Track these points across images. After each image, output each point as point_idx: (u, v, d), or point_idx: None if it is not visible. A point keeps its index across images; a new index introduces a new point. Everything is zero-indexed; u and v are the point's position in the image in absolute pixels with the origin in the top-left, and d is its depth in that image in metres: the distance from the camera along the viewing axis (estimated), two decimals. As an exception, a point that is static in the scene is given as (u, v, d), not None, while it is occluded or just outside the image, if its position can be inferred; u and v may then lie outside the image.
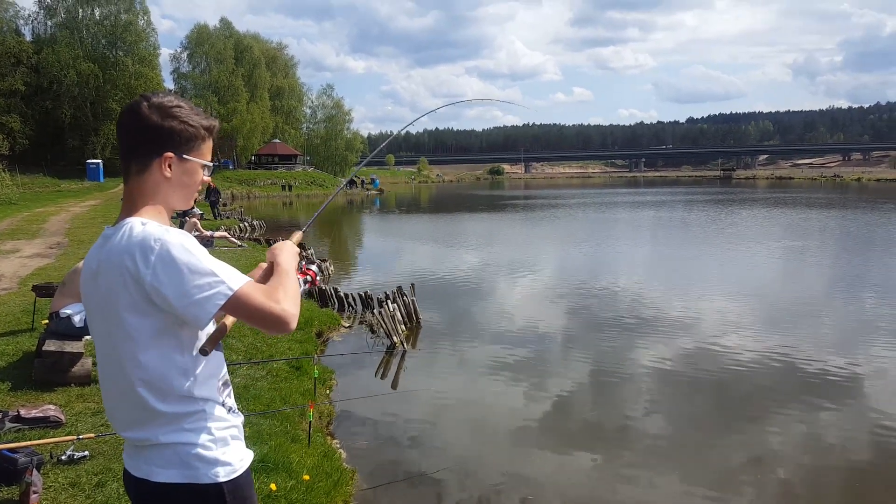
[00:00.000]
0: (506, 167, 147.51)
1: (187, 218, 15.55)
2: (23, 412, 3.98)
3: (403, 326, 8.36)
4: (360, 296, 10.13)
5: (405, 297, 9.05)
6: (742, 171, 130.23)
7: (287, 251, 1.56)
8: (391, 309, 8.24)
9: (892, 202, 38.63)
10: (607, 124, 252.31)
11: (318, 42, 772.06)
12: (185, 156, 1.48)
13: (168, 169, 1.46)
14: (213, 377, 1.46)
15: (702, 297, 11.37)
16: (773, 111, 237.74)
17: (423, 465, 4.78)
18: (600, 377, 6.96)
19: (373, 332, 8.51)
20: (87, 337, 5.23)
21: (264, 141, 67.56)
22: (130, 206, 1.46)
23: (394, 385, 6.78)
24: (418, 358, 7.66)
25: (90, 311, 1.48)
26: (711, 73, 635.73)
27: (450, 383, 6.76)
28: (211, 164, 1.55)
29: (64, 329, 4.93)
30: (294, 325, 1.40)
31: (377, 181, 69.81)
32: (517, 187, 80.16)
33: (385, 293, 9.54)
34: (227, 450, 1.45)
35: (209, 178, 1.56)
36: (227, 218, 25.22)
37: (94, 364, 5.03)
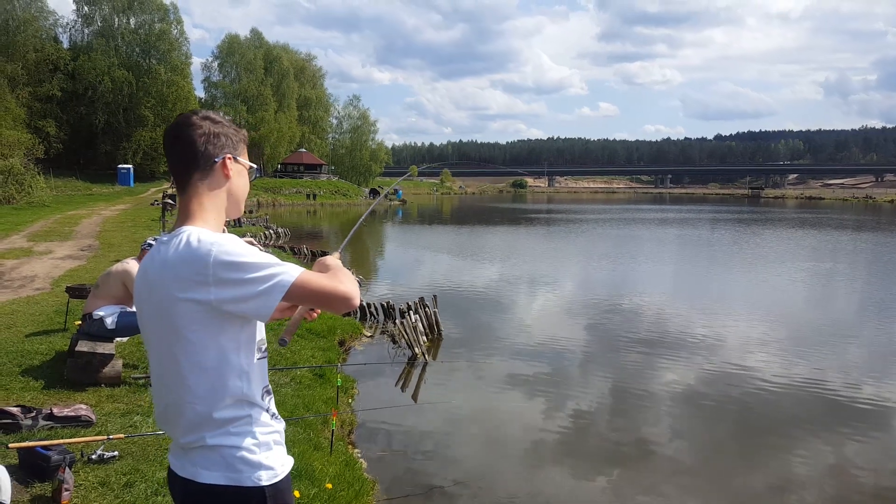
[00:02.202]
0: (529, 180, 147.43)
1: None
2: (55, 410, 4.08)
3: (425, 338, 8.39)
4: (381, 305, 10.20)
5: (427, 309, 9.08)
6: (771, 189, 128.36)
7: (333, 259, 1.62)
8: (413, 320, 8.28)
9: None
10: (633, 140, 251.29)
11: (345, 53, 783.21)
12: (238, 158, 1.58)
13: (229, 170, 1.55)
14: (260, 382, 1.51)
15: (725, 318, 11.23)
16: (804, 130, 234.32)
17: (440, 478, 4.80)
18: (619, 396, 6.92)
19: (394, 342, 8.55)
20: (119, 339, 5.35)
21: (291, 150, 68.55)
22: (186, 215, 1.52)
23: (414, 396, 6.80)
24: (439, 370, 7.67)
25: (144, 316, 1.52)
26: (740, 90, 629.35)
27: (469, 396, 6.77)
28: (255, 166, 1.64)
29: (96, 331, 5.05)
30: (357, 301, 1.45)
31: (400, 192, 70.25)
32: (540, 201, 79.97)
33: (407, 304, 9.58)
34: (270, 454, 1.49)
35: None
36: (253, 225, 25.64)
37: (125, 366, 5.14)
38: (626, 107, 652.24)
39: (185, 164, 1.53)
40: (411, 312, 8.88)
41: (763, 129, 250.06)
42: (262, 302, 1.37)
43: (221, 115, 1.60)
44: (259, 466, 1.45)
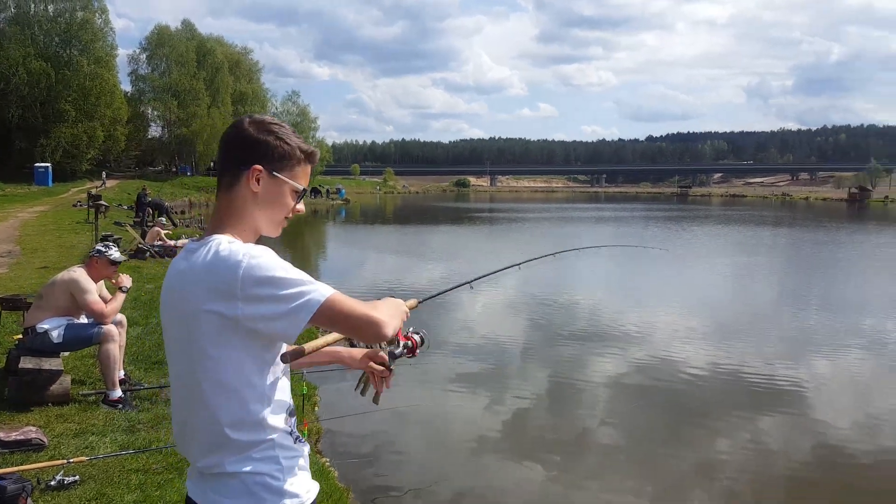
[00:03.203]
0: (472, 179, 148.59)
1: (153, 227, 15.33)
2: (2, 435, 3.89)
3: None
4: None
5: None
6: (698, 188, 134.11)
7: (392, 303, 1.51)
8: None
9: (835, 221, 40.42)
10: (570, 140, 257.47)
11: (282, 47, 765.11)
12: (275, 173, 1.44)
13: (256, 183, 1.42)
14: (283, 404, 1.43)
15: (656, 311, 11.78)
16: (728, 131, 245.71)
17: (408, 480, 4.87)
18: (559, 389, 7.21)
19: (353, 345, 8.54)
20: (66, 353, 5.15)
21: (225, 147, 66.51)
22: (217, 223, 1.44)
23: (375, 399, 6.82)
24: (398, 371, 7.69)
25: (165, 327, 1.45)
26: (670, 93, 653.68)
27: (427, 397, 6.87)
28: (304, 189, 1.49)
29: (40, 345, 4.80)
30: (390, 331, 1.38)
31: (343, 191, 69.37)
32: (482, 200, 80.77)
33: None
34: (295, 480, 1.41)
35: (302, 208, 1.52)
36: (188, 227, 24.74)
37: (73, 382, 4.94)
38: (564, 108, 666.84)
39: (219, 166, 1.48)
40: None
41: (691, 131, 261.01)
42: (289, 322, 1.29)
43: (287, 126, 1.49)
44: (283, 494, 1.37)
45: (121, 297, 4.87)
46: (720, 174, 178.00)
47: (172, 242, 15.00)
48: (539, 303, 12.27)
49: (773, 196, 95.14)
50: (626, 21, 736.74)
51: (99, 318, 4.74)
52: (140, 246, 13.89)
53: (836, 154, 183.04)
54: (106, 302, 4.84)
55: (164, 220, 18.37)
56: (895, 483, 5.13)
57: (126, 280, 4.93)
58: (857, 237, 28.78)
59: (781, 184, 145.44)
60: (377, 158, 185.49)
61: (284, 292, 1.29)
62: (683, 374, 7.65)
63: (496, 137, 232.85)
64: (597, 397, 6.94)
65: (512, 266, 1.93)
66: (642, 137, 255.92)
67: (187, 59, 60.00)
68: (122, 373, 4.99)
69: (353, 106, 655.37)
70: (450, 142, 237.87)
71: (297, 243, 24.27)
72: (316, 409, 6.08)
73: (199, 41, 63.82)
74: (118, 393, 4.74)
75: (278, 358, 1.40)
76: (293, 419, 1.46)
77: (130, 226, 20.88)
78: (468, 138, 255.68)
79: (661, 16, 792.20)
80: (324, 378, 7.11)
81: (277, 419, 1.40)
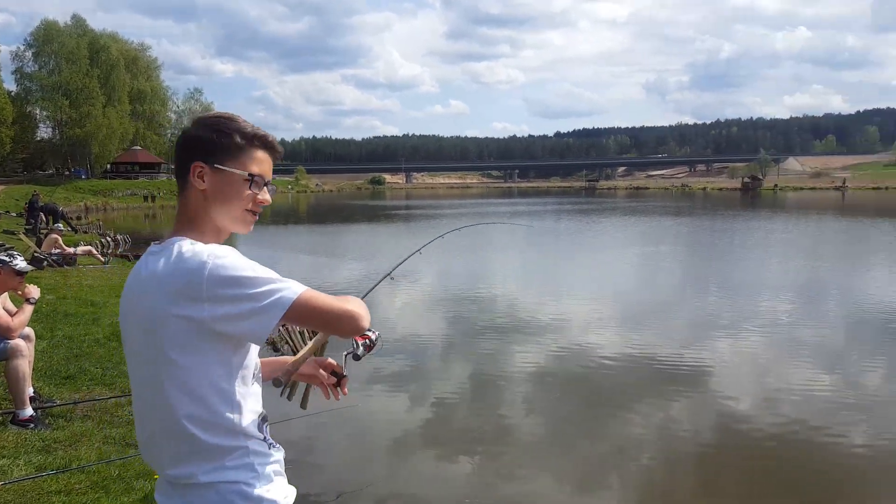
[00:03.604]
0: (387, 177, 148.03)
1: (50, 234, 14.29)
2: None
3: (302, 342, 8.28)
4: None
5: None
6: (604, 181, 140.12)
7: (355, 299, 1.47)
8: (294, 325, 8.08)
9: (731, 210, 43.47)
10: (483, 137, 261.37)
11: (181, 44, 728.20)
12: (217, 165, 1.38)
13: (200, 180, 1.38)
14: (254, 410, 1.38)
15: (570, 301, 12.18)
16: (630, 126, 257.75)
17: (335, 484, 4.78)
18: (478, 381, 7.29)
19: (275, 349, 8.36)
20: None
21: (123, 148, 62.84)
22: (177, 226, 1.41)
23: (303, 404, 6.73)
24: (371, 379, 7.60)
25: (126, 333, 1.40)
26: (575, 90, 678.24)
27: (354, 398, 6.80)
28: (256, 175, 1.41)
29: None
30: (366, 323, 1.37)
31: (252, 191, 67.06)
32: (398, 197, 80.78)
33: None
34: (271, 487, 1.36)
35: (268, 198, 1.45)
36: (86, 233, 23.22)
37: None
38: (476, 105, 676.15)
39: (175, 171, 1.45)
40: None
41: (596, 127, 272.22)
42: (259, 321, 1.25)
43: (236, 117, 1.44)
44: (260, 501, 1.33)
45: (28, 309, 4.55)
46: (624, 168, 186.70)
47: (71, 250, 14.04)
48: (456, 297, 12.36)
49: (674, 187, 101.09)
50: (532, 19, 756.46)
51: (4, 333, 4.41)
52: (36, 255, 12.90)
53: (729, 146, 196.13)
54: (11, 315, 4.51)
55: (60, 226, 17.13)
56: (795, 456, 5.47)
57: (34, 291, 4.60)
58: (753, 224, 30.90)
59: (680, 175, 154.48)
60: (287, 157, 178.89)
61: (253, 291, 1.25)
62: (597, 362, 7.90)
63: (410, 134, 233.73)
64: (516, 389, 7.05)
65: (413, 253, 1.97)
66: (551, 133, 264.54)
67: (78, 56, 56.17)
68: (31, 390, 4.67)
69: (260, 103, 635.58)
70: (363, 139, 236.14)
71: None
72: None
73: (91, 37, 59.93)
74: (29, 412, 4.43)
75: (248, 362, 1.36)
76: (266, 425, 1.42)
77: (23, 233, 19.36)
78: (382, 135, 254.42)
79: (565, 14, 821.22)
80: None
81: (250, 425, 1.36)
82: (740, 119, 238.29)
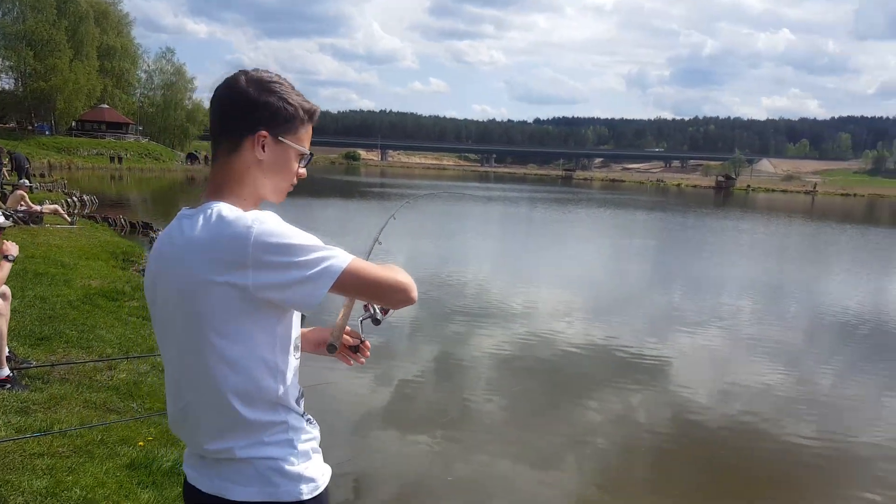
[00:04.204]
0: (362, 153, 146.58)
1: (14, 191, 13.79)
2: None
3: None
4: None
5: None
6: (581, 172, 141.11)
7: (394, 266, 1.43)
8: None
9: (704, 207, 44.21)
10: (462, 118, 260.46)
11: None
12: (281, 138, 1.33)
13: (262, 150, 1.32)
14: (295, 383, 1.35)
15: (540, 289, 12.31)
16: (609, 118, 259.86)
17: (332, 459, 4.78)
18: (444, 364, 7.34)
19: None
20: None
21: (90, 105, 60.69)
22: (216, 189, 1.32)
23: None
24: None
25: (158, 302, 1.31)
26: (558, 76, 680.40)
27: (319, 377, 6.78)
28: (309, 153, 1.40)
29: None
30: (416, 293, 1.32)
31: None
32: (373, 174, 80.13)
33: None
34: (310, 464, 1.33)
35: (304, 172, 1.42)
36: (50, 191, 22.44)
37: None
38: (456, 84, 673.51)
39: (215, 130, 1.33)
40: None
41: (575, 116, 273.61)
42: (308, 289, 1.20)
43: (285, 81, 1.36)
44: (299, 479, 1.29)
45: (6, 266, 4.37)
46: (601, 159, 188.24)
47: (38, 208, 13.58)
48: (427, 279, 12.31)
49: (649, 182, 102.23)
50: (518, 0, 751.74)
51: (-20, 291, 4.25)
52: (1, 210, 12.46)
53: (706, 144, 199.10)
54: None
55: (27, 181, 16.55)
56: (747, 447, 5.63)
57: (13, 248, 4.42)
58: (725, 223, 31.40)
59: (656, 170, 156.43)
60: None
61: (300, 259, 1.20)
62: (562, 350, 8.02)
63: (387, 110, 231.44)
64: (481, 373, 7.11)
65: (389, 218, 1.83)
66: (530, 120, 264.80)
67: (45, 6, 53.68)
68: (7, 350, 4.51)
69: (234, 67, 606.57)
70: (339, 112, 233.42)
71: (171, 213, 22.76)
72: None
73: (59, -14, 57.37)
74: (6, 371, 4.28)
75: (291, 332, 1.31)
76: (302, 400, 1.38)
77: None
78: (358, 109, 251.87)
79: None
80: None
81: (291, 399, 1.32)
82: (718, 117, 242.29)
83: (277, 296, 1.22)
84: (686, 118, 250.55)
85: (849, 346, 9.16)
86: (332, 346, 1.51)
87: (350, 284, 1.25)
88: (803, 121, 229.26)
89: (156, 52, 77.40)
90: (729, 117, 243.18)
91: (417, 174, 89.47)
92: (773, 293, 13.09)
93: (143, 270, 9.87)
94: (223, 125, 1.33)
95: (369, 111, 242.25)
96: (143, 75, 71.13)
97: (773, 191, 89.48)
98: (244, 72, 1.34)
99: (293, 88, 1.37)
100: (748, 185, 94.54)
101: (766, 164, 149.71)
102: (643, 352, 8.09)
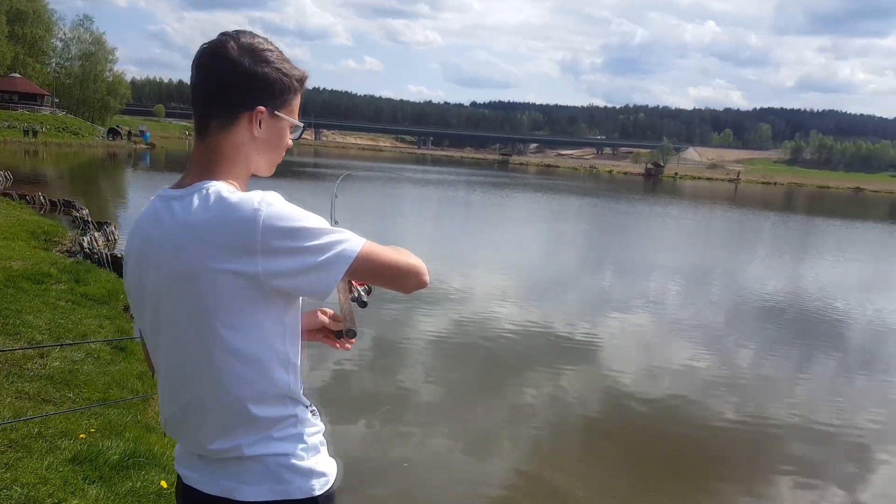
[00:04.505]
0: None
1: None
2: None
3: None
4: None
5: None
6: (517, 157, 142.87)
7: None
8: None
9: (635, 194, 45.76)
10: (398, 99, 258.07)
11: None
12: (276, 112, 1.23)
13: (258, 126, 1.21)
14: (300, 374, 1.28)
15: (474, 270, 12.45)
16: (544, 104, 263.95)
17: None
18: (381, 348, 7.31)
19: None
20: None
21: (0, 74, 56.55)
22: (205, 168, 1.21)
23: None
24: None
25: (148, 293, 1.20)
26: (493, 60, 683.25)
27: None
28: (302, 124, 1.31)
29: None
30: (428, 278, 1.27)
31: (147, 134, 62.97)
32: (306, 154, 78.27)
33: None
34: (319, 458, 1.27)
35: (291, 142, 1.33)
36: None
37: None
38: (391, 64, 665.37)
39: (202, 102, 1.21)
40: None
41: (511, 100, 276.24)
42: (322, 276, 1.13)
43: (274, 46, 1.24)
44: (311, 474, 1.23)
45: None
46: (536, 144, 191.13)
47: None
48: None
49: (582, 168, 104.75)
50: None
51: None
52: None
53: (636, 132, 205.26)
54: None
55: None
56: (673, 424, 5.91)
57: None
58: (655, 209, 32.62)
59: (588, 157, 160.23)
60: (186, 100, 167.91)
61: (312, 243, 1.12)
62: (495, 332, 8.15)
63: (321, 89, 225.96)
64: (416, 355, 7.15)
65: (332, 196, 1.70)
66: (467, 103, 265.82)
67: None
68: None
69: (156, 39, 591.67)
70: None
71: (91, 192, 21.73)
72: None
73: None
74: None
75: (298, 321, 1.23)
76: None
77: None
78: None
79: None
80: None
81: (300, 391, 1.25)
82: (647, 106, 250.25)
83: (288, 283, 1.14)
84: (617, 106, 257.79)
85: (766, 329, 9.74)
86: (351, 332, 1.41)
87: (363, 269, 1.18)
88: (727, 111, 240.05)
89: (72, 20, 72.25)
90: (658, 106, 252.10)
91: (353, 154, 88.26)
92: (699, 278, 13.72)
93: (70, 252, 9.35)
94: (213, 99, 1.20)
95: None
96: (59, 44, 66.73)
97: (699, 178, 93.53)
98: (231, 37, 1.20)
99: (282, 53, 1.25)
100: (676, 173, 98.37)
101: (692, 153, 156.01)
102: (575, 334, 8.32)
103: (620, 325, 9.16)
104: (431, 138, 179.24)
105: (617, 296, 11.07)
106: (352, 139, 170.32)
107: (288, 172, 39.91)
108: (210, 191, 1.15)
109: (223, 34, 1.21)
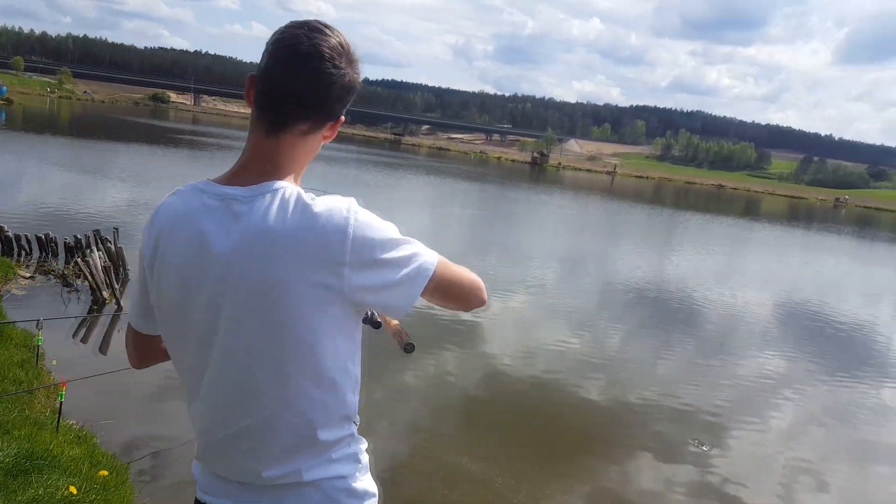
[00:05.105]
0: (172, 95, 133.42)
1: None
2: None
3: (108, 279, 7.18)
4: (37, 238, 8.28)
5: (108, 244, 7.76)
6: (409, 137, 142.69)
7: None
8: (99, 259, 7.00)
9: (521, 181, 47.26)
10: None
11: None
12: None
13: (332, 134, 1.15)
14: None
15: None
16: (437, 86, 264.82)
17: (167, 438, 4.33)
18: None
19: (67, 284, 7.16)
20: None
21: None
22: (272, 167, 1.07)
23: (103, 349, 5.93)
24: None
25: (201, 307, 1.05)
26: (385, 37, 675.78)
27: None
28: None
29: None
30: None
31: (4, 88, 56.31)
32: (184, 120, 73.19)
33: (75, 237, 8.06)
34: (367, 477, 1.18)
35: None
36: None
37: None
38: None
39: (294, 102, 1.07)
40: (96, 250, 7.45)
41: (404, 80, 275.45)
42: (405, 291, 1.05)
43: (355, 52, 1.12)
44: (364, 496, 1.15)
45: None
46: (428, 126, 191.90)
47: None
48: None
49: (473, 153, 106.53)
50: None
51: None
52: None
53: (523, 121, 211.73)
54: None
55: None
56: (547, 403, 6.16)
57: None
58: (541, 197, 33.84)
59: (479, 142, 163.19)
60: (49, 54, 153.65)
61: (397, 256, 1.05)
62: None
63: (203, 52, 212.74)
64: None
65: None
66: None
67: None
68: None
69: None
70: (146, 48, 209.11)
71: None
72: (54, 362, 4.92)
73: None
74: None
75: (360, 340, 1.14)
76: None
77: None
78: (168, 47, 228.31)
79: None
80: (54, 327, 5.75)
81: (357, 409, 1.16)
82: (535, 97, 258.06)
83: (372, 298, 1.06)
84: (507, 94, 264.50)
85: (634, 314, 10.37)
86: (410, 346, 1.35)
87: (437, 286, 1.09)
88: (606, 106, 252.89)
89: None
90: (544, 97, 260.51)
91: (236, 124, 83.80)
92: (575, 264, 14.40)
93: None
94: (308, 102, 1.08)
95: (182, 50, 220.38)
96: None
97: (580, 170, 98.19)
98: (325, 32, 1.08)
99: None
100: (559, 163, 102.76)
101: (573, 144, 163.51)
102: (456, 316, 8.41)
103: (501, 306, 9.37)
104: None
105: (499, 279, 11.33)
106: (235, 107, 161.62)
107: (162, 139, 37.21)
108: (287, 195, 1.03)
109: (315, 25, 1.09)
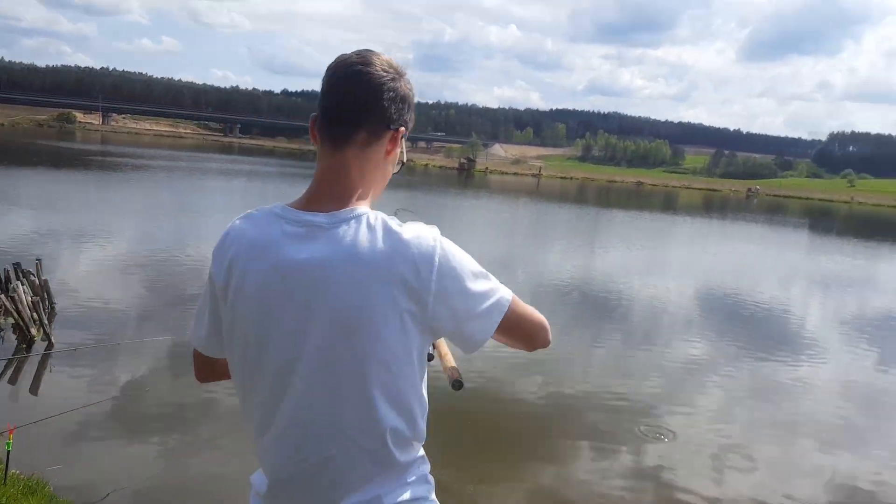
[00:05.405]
0: (78, 115, 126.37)
1: None
2: None
3: (36, 315, 6.66)
4: None
5: (32, 277, 7.21)
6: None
7: None
8: (25, 294, 6.51)
9: (452, 187, 47.67)
10: (201, 83, 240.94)
11: None
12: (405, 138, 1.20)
13: (394, 148, 1.16)
14: None
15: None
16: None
17: (120, 480, 4.11)
18: (182, 355, 6.71)
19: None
20: None
21: None
22: (344, 190, 1.10)
23: (34, 390, 5.59)
24: (70, 357, 6.23)
25: (283, 334, 1.05)
26: (306, 48, 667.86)
27: (119, 382, 5.87)
28: (405, 160, 1.27)
29: None
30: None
31: None
32: (93, 140, 69.36)
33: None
34: (434, 497, 1.21)
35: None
36: None
37: None
38: (192, 45, 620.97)
39: (350, 106, 1.10)
40: (20, 284, 6.85)
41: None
42: (481, 324, 1.08)
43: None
44: None
45: None
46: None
47: None
48: (164, 258, 11.34)
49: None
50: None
51: None
52: None
53: (448, 128, 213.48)
54: None
55: None
56: (486, 401, 6.07)
57: None
58: (473, 202, 34.27)
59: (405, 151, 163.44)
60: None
61: (477, 289, 1.07)
62: None
63: (110, 69, 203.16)
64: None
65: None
66: (278, 90, 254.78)
67: None
68: None
69: None
70: (48, 66, 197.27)
71: None
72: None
73: None
74: None
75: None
76: None
77: None
78: (72, 65, 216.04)
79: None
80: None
81: (425, 434, 1.19)
82: (458, 103, 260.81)
83: (451, 327, 1.08)
84: (430, 101, 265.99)
85: (564, 309, 10.53)
86: (459, 384, 1.33)
87: (509, 322, 1.11)
88: (528, 111, 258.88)
89: None
90: (467, 104, 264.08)
91: (147, 142, 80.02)
92: (506, 265, 14.50)
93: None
94: (361, 111, 1.11)
95: (87, 67, 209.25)
96: None
97: (506, 173, 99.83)
98: (373, 53, 1.15)
99: None
100: (486, 168, 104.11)
101: (498, 149, 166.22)
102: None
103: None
104: (239, 126, 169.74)
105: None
106: (147, 125, 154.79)
107: (70, 161, 35.07)
108: (373, 221, 1.06)
109: (363, 50, 1.16)
